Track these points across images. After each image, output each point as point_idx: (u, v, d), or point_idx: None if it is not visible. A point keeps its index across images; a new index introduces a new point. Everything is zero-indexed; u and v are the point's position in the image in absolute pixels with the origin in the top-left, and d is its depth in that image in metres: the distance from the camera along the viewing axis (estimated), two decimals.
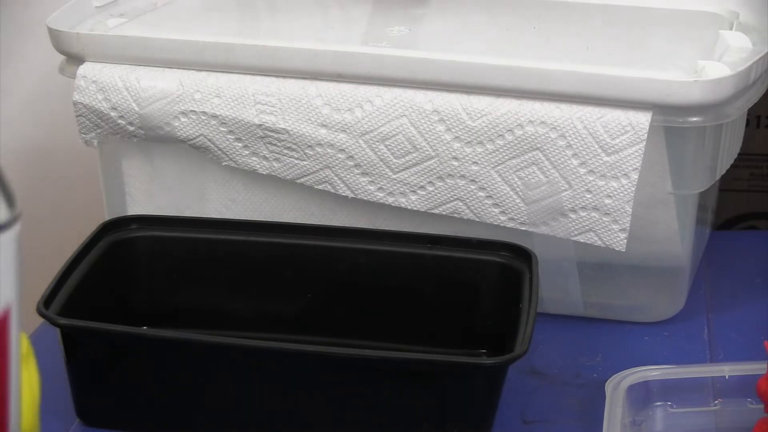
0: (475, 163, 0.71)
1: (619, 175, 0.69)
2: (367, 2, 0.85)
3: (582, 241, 0.71)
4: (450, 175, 0.72)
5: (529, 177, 0.70)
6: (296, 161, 0.73)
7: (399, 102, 0.71)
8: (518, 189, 0.71)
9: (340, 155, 0.72)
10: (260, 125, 0.73)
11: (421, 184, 0.72)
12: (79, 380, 0.64)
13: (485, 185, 0.71)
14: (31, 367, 0.52)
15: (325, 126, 0.72)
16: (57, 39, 0.76)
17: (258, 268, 0.71)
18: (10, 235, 0.35)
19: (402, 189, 0.73)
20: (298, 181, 0.74)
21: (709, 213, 0.84)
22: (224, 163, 0.75)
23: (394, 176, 0.72)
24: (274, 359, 0.62)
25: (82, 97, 0.75)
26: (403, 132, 0.71)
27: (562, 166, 0.69)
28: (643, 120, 0.68)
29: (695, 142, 0.71)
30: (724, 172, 0.75)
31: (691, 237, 0.75)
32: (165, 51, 0.74)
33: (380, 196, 0.73)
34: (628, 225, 0.70)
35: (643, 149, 0.68)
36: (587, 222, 0.70)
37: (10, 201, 0.36)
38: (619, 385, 0.64)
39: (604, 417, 0.62)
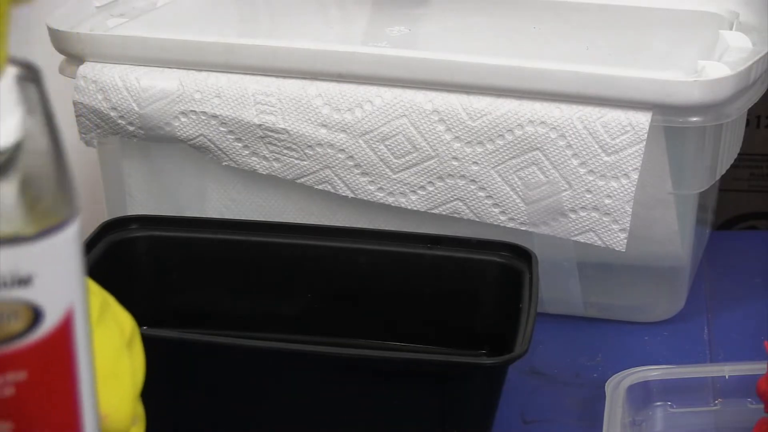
0: (475, 163, 0.71)
1: (619, 175, 0.69)
2: (367, 2, 0.85)
3: (582, 241, 0.71)
4: (450, 175, 0.72)
5: (529, 177, 0.70)
6: (296, 161, 0.73)
7: (399, 102, 0.71)
8: (518, 189, 0.71)
9: (340, 155, 0.73)
10: (260, 125, 0.73)
11: (421, 184, 0.72)
12: None
13: (485, 185, 0.71)
14: (136, 351, 0.51)
15: (325, 126, 0.72)
16: (57, 39, 0.75)
17: (258, 268, 0.71)
18: (71, 232, 0.35)
19: (402, 189, 0.73)
20: (298, 181, 0.74)
21: (709, 213, 0.84)
22: (224, 163, 0.75)
23: (394, 176, 0.72)
24: (274, 359, 0.62)
25: (82, 97, 0.75)
26: (403, 132, 0.71)
27: (562, 166, 0.69)
28: (643, 120, 0.68)
29: (695, 142, 0.70)
30: (724, 172, 0.75)
31: (691, 237, 0.75)
32: (165, 51, 0.74)
33: (380, 196, 0.73)
34: (628, 225, 0.70)
35: (643, 149, 0.68)
36: (587, 222, 0.70)
37: (70, 197, 0.35)
38: (619, 385, 0.64)
39: (604, 417, 0.62)
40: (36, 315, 0.34)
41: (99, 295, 0.51)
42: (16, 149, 0.34)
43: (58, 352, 0.35)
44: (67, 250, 0.35)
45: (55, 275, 0.34)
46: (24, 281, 0.34)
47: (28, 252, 0.34)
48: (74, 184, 0.35)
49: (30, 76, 0.36)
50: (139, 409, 0.51)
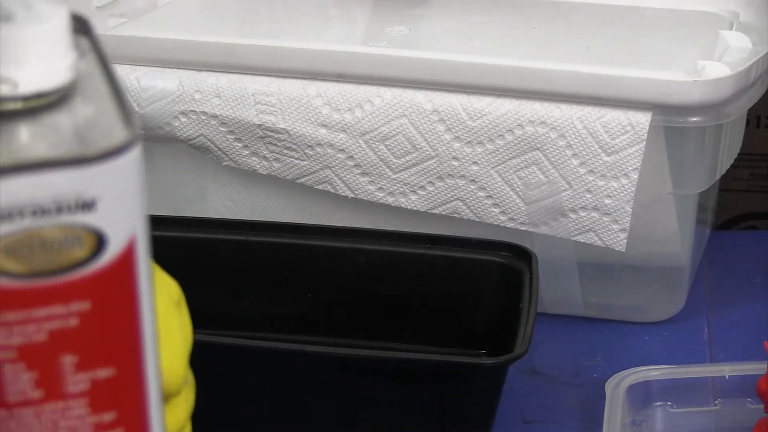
0: (475, 163, 0.71)
1: (619, 175, 0.69)
2: (367, 2, 0.85)
3: (582, 241, 0.71)
4: (450, 175, 0.72)
5: (529, 177, 0.70)
6: (296, 161, 0.73)
7: (399, 102, 0.71)
8: (518, 189, 0.71)
9: (340, 155, 0.73)
10: (260, 125, 0.73)
11: (421, 184, 0.72)
12: None
13: (485, 185, 0.71)
14: (184, 313, 0.51)
15: (325, 126, 0.72)
16: None
17: (258, 268, 0.71)
18: (133, 157, 0.34)
19: (402, 189, 0.73)
20: (298, 181, 0.74)
21: (709, 213, 0.84)
22: (224, 163, 0.75)
23: (394, 176, 0.72)
24: (274, 359, 0.62)
25: None
26: (403, 132, 0.71)
27: (562, 166, 0.69)
28: (643, 120, 0.68)
29: (695, 142, 0.70)
30: (724, 172, 0.75)
31: (691, 237, 0.75)
32: (165, 51, 0.74)
33: (380, 196, 0.73)
34: (628, 225, 0.70)
35: (643, 149, 0.68)
36: (587, 222, 0.70)
37: (128, 120, 0.34)
38: (619, 385, 0.64)
39: (604, 417, 0.62)
40: (99, 241, 0.34)
41: None
42: (71, 86, 0.34)
43: (121, 283, 0.34)
44: (130, 175, 0.34)
45: (119, 200, 0.34)
46: (88, 205, 0.33)
47: (92, 174, 0.33)
48: (131, 106, 0.35)
49: (80, 26, 0.38)
50: (189, 372, 0.51)
